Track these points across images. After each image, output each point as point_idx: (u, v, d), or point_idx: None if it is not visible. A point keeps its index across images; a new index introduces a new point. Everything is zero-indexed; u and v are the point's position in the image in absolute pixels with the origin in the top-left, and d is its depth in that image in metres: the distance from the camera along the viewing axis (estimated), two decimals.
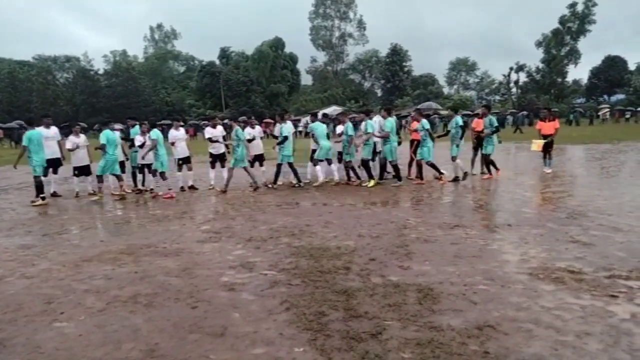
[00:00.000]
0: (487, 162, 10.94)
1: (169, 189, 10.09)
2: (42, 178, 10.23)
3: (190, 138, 32.96)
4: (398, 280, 4.25)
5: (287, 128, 10.67)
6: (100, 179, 9.99)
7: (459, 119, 10.83)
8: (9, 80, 63.12)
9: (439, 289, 4.00)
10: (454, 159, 10.66)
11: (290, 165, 10.71)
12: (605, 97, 66.32)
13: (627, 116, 45.55)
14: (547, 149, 11.45)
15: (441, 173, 10.47)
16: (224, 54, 72.24)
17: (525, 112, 48.29)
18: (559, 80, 60.45)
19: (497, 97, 76.11)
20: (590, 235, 5.58)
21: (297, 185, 10.72)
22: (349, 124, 10.64)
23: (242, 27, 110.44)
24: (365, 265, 4.75)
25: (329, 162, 10.91)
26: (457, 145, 10.64)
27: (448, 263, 4.72)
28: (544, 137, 11.51)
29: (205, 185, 11.26)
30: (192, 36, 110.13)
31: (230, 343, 3.20)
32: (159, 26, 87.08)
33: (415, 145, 10.76)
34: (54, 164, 10.63)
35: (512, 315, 3.46)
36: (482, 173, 11.11)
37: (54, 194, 10.63)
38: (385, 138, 10.24)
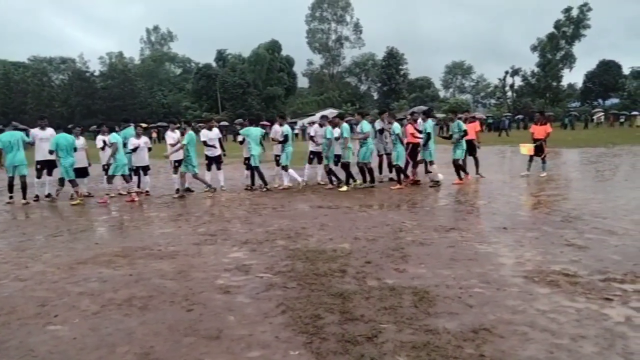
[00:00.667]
0: (456, 166, 10.80)
1: (106, 195, 9.97)
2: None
3: None
4: (394, 283, 4.25)
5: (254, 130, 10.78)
6: (73, 183, 9.90)
7: (427, 125, 10.64)
8: (4, 81, 62.87)
9: (434, 292, 4.01)
10: (431, 162, 10.65)
11: (256, 168, 10.72)
12: (600, 101, 66.80)
13: (622, 120, 45.96)
14: (539, 153, 11.44)
15: (400, 182, 10.41)
16: (221, 56, 72.19)
17: (521, 116, 48.64)
18: (554, 84, 60.75)
19: (493, 101, 76.43)
20: (585, 239, 5.60)
21: (248, 188, 10.81)
22: (329, 128, 10.65)
23: (238, 30, 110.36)
24: (361, 268, 4.75)
25: (286, 168, 10.74)
26: (424, 151, 10.53)
27: (444, 266, 4.73)
28: (535, 140, 11.52)
29: (201, 187, 11.22)
30: (188, 38, 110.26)
31: (226, 346, 3.19)
32: (155, 28, 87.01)
33: (411, 148, 10.77)
34: (48, 166, 10.58)
35: (508, 319, 3.46)
36: (459, 177, 10.88)
37: (49, 196, 10.57)
38: (363, 140, 10.27)
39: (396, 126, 10.36)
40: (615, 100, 63.16)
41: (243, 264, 5.03)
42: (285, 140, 10.67)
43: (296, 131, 37.77)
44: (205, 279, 4.62)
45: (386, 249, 5.40)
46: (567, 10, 57.08)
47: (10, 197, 9.98)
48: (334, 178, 10.84)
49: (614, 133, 31.81)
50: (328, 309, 3.72)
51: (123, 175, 10.20)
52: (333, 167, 10.85)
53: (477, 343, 3.09)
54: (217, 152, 11.02)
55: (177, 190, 10.78)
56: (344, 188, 10.28)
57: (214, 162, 11.04)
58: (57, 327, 3.60)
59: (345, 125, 10.42)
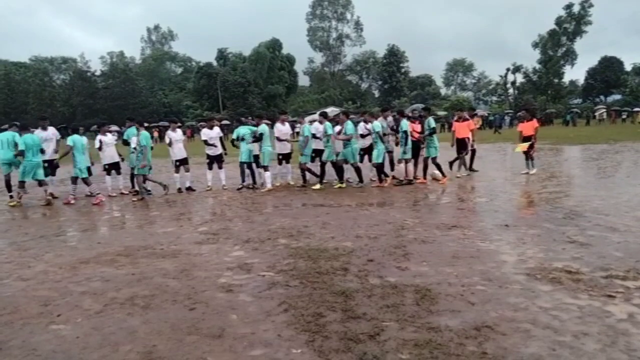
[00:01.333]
0: (435, 164, 10.69)
1: (98, 193, 9.87)
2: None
3: (188, 139, 32.99)
4: (396, 281, 4.25)
5: (243, 129, 10.80)
6: (21, 184, 9.79)
7: (404, 123, 10.51)
8: (5, 81, 63.08)
9: (436, 290, 4.00)
10: (399, 161, 10.63)
11: (243, 165, 10.78)
12: (602, 97, 66.57)
13: (624, 116, 45.76)
14: (528, 150, 11.40)
15: (385, 176, 10.39)
16: (221, 55, 72.21)
17: (522, 113, 48.52)
18: (556, 81, 60.61)
19: (494, 98, 76.33)
20: (587, 236, 5.59)
21: (250, 186, 10.87)
22: (307, 126, 10.69)
23: (239, 29, 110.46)
24: (363, 266, 4.75)
25: (266, 168, 10.59)
26: (405, 151, 10.41)
27: (446, 264, 4.72)
28: (525, 138, 11.47)
29: (202, 186, 11.25)
30: (189, 37, 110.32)
31: (228, 344, 3.19)
32: (156, 27, 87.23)
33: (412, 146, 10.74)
34: (52, 166, 10.61)
35: (510, 316, 3.46)
36: (416, 177, 10.83)
37: (51, 196, 10.59)
38: (347, 141, 10.24)
39: (376, 124, 10.28)
40: (617, 97, 62.93)
41: (245, 263, 5.03)
42: (259, 138, 10.45)
43: (297, 129, 37.71)
44: (208, 277, 4.62)
45: (388, 247, 5.39)
46: (568, 6, 56.93)
47: (11, 197, 10.00)
48: (308, 175, 10.86)
49: (616, 129, 31.68)
50: (330, 307, 3.72)
51: (73, 178, 10.00)
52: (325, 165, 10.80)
53: (480, 340, 3.09)
54: (219, 151, 11.04)
55: (179, 189, 10.81)
56: (317, 186, 10.32)
57: (215, 161, 11.06)
58: (60, 327, 3.61)
59: (327, 123, 10.47)
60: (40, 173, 9.86)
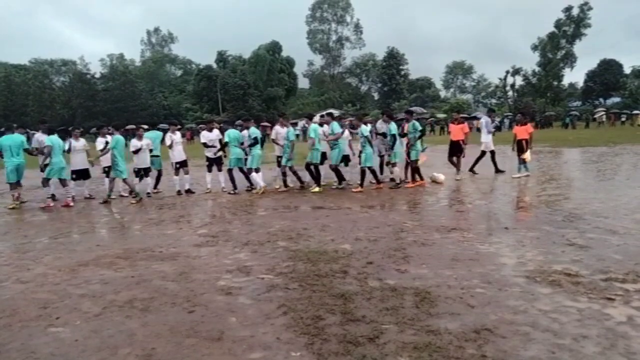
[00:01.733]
0: (413, 169, 10.70)
1: (49, 197, 9.84)
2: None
3: (188, 142, 33.01)
4: (395, 284, 4.25)
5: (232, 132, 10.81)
6: (11, 186, 9.77)
7: (392, 127, 10.53)
8: (5, 84, 63.15)
9: (436, 293, 4.00)
10: (394, 164, 10.64)
11: (231, 171, 10.76)
12: (601, 100, 66.65)
13: (623, 119, 45.87)
14: (519, 152, 11.41)
15: (379, 182, 10.48)
16: (221, 57, 72.28)
17: (518, 117, 48.54)
18: (555, 83, 60.55)
19: (494, 101, 76.31)
20: (586, 238, 5.59)
21: (248, 189, 10.87)
22: (291, 129, 10.75)
23: (239, 31, 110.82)
24: (363, 268, 4.74)
25: (250, 170, 10.54)
26: (389, 154, 10.52)
27: (445, 266, 4.72)
28: (519, 141, 11.48)
29: (202, 189, 11.24)
30: (189, 40, 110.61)
31: (227, 347, 3.19)
32: (156, 30, 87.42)
33: (408, 148, 10.75)
34: None
35: (510, 319, 3.46)
36: (413, 180, 10.79)
37: (51, 197, 10.58)
38: (333, 141, 10.30)
39: (364, 128, 10.28)
40: (616, 99, 62.99)
41: (244, 265, 5.03)
42: (254, 143, 10.43)
43: (297, 132, 37.73)
44: (207, 280, 4.62)
45: (388, 250, 5.39)
46: (568, 9, 56.95)
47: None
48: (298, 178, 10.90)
49: (615, 132, 31.73)
50: (329, 310, 3.72)
51: (60, 180, 9.96)
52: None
53: (479, 343, 3.08)
54: (218, 153, 11.03)
55: (179, 192, 10.81)
56: (316, 189, 10.30)
57: (214, 163, 11.06)
58: (59, 329, 3.60)
59: (313, 125, 10.50)
60: (19, 175, 9.82)
